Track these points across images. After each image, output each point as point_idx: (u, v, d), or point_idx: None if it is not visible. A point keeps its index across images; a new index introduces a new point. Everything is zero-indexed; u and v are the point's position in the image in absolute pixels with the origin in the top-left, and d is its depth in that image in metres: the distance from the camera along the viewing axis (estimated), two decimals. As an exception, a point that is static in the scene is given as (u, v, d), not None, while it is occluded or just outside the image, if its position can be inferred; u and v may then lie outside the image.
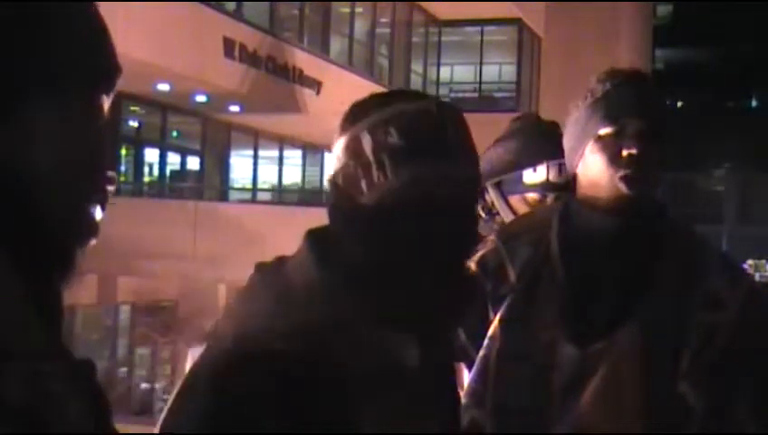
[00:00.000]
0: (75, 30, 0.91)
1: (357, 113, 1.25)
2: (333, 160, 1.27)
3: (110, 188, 0.95)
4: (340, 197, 1.24)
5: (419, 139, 1.20)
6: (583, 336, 1.71)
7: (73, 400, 0.85)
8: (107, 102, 0.95)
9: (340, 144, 1.25)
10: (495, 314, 1.77)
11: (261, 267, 1.28)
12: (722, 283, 1.74)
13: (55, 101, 0.89)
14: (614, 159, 1.71)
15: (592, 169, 1.75)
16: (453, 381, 1.43)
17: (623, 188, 1.70)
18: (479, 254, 1.85)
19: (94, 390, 0.91)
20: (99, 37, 0.94)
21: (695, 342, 1.69)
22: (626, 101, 1.74)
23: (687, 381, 1.68)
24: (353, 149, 1.23)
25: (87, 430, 0.86)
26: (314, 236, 1.27)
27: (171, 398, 1.20)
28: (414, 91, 1.35)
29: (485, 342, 1.76)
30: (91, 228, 0.94)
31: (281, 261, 1.28)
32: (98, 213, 0.94)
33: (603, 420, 1.68)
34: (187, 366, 1.22)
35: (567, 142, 1.83)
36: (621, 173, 1.70)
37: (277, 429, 1.14)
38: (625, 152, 1.70)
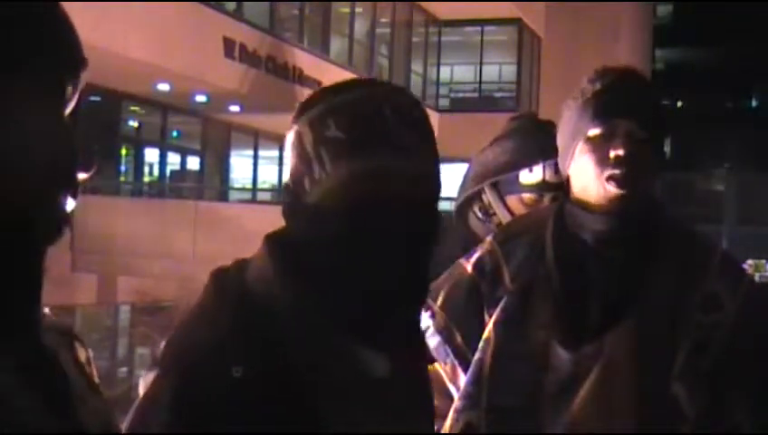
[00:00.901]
0: (38, 24, 0.91)
1: (303, 106, 1.17)
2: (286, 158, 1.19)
3: (83, 177, 0.93)
4: (286, 195, 1.17)
5: (358, 131, 1.11)
6: (576, 339, 1.70)
7: (21, 392, 0.84)
8: (73, 94, 0.94)
9: (287, 140, 1.18)
10: (491, 317, 1.77)
11: (218, 276, 1.18)
12: (721, 284, 1.73)
13: (18, 89, 0.88)
14: (602, 161, 1.70)
15: (582, 170, 1.74)
16: (426, 390, 1.33)
17: (611, 188, 1.70)
18: (476, 256, 1.84)
19: (52, 375, 0.90)
20: (61, 27, 0.93)
21: (690, 343, 1.68)
22: (615, 102, 1.73)
23: (681, 383, 1.67)
24: (296, 145, 1.16)
25: (40, 419, 0.85)
26: (273, 241, 1.18)
27: (124, 428, 1.09)
28: (373, 79, 1.25)
29: (480, 344, 1.75)
30: (61, 221, 0.91)
31: (240, 267, 1.18)
32: (69, 205, 0.92)
33: (595, 421, 1.68)
34: (140, 392, 1.12)
35: (559, 142, 1.82)
36: (608, 173, 1.70)
37: None
38: (612, 154, 1.69)
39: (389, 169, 1.10)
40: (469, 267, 1.83)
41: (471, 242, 2.06)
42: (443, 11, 22.30)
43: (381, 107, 1.12)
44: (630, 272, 1.73)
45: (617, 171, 1.69)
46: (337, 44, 19.54)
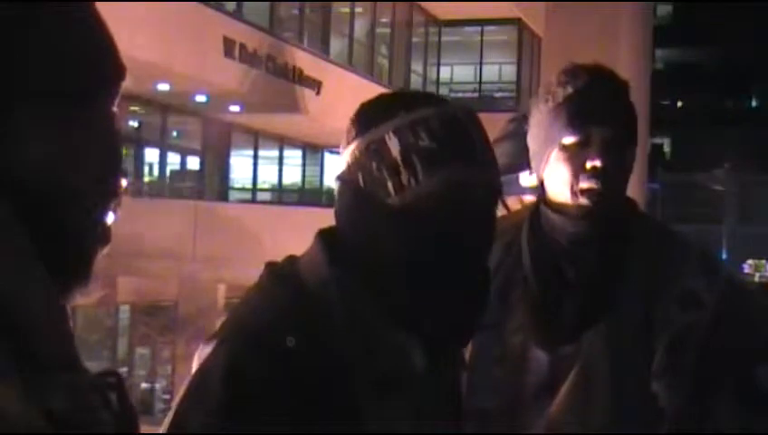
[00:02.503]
0: (82, 34, 0.91)
1: (376, 116, 1.22)
2: (346, 161, 1.23)
3: (120, 191, 0.94)
4: (359, 198, 1.21)
5: (450, 143, 1.19)
6: (553, 340, 1.71)
7: (106, 411, 0.85)
8: (113, 104, 0.95)
9: (357, 146, 1.22)
10: None
11: (272, 266, 1.26)
12: (699, 282, 1.72)
13: (67, 107, 0.88)
14: (578, 170, 1.69)
15: (557, 177, 1.72)
16: (458, 387, 1.41)
17: (585, 201, 1.69)
18: None
19: (123, 400, 0.91)
20: (105, 40, 0.93)
21: (668, 341, 1.68)
22: (589, 109, 1.70)
23: (660, 382, 1.67)
24: (377, 152, 1.20)
25: None
26: (325, 237, 1.25)
27: (178, 399, 1.18)
28: (423, 93, 1.34)
29: None
30: (105, 234, 0.93)
31: (292, 260, 1.27)
32: (110, 218, 0.93)
33: (575, 422, 1.68)
34: (194, 366, 1.20)
35: (531, 146, 1.80)
36: (585, 185, 1.68)
37: (289, 424, 1.13)
38: (589, 164, 1.68)
39: (476, 180, 1.20)
40: None
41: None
42: (443, 11, 22.30)
43: (463, 122, 1.21)
44: (605, 272, 1.72)
45: (593, 184, 1.68)
46: (337, 44, 19.54)
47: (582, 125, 1.69)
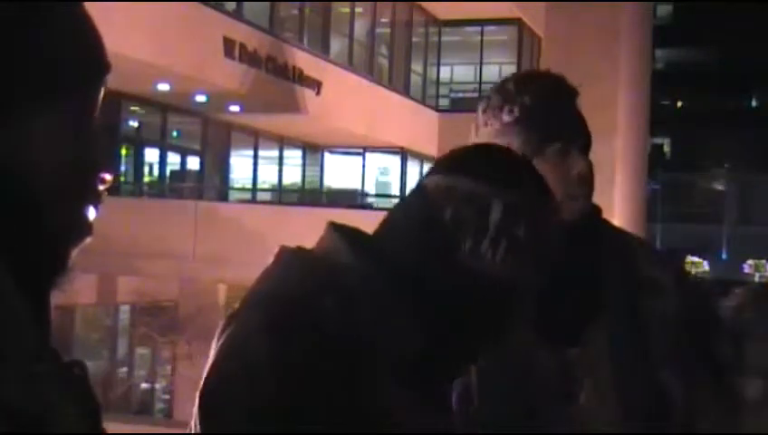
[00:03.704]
0: (66, 29, 0.90)
1: (490, 172, 1.23)
2: (438, 185, 1.22)
3: (102, 187, 0.94)
4: (434, 235, 1.20)
5: (535, 245, 1.22)
6: (556, 344, 1.72)
7: (68, 402, 0.85)
8: (96, 101, 0.94)
9: (456, 181, 1.21)
10: None
11: (286, 247, 1.23)
12: (655, 268, 1.79)
13: (49, 101, 0.88)
14: (563, 179, 1.69)
15: None
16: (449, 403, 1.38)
17: (572, 207, 1.71)
18: None
19: (87, 391, 0.91)
20: (89, 35, 0.93)
21: (651, 329, 1.73)
22: (563, 115, 1.73)
23: (666, 370, 1.72)
24: (475, 206, 1.19)
25: (81, 431, 0.86)
26: (342, 229, 1.23)
27: (209, 365, 1.14)
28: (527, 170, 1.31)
29: None
30: (85, 228, 0.93)
31: (302, 247, 1.24)
32: (91, 213, 0.93)
33: (592, 421, 1.69)
34: (213, 347, 1.16)
35: None
36: (572, 192, 1.71)
37: (323, 386, 1.10)
38: (575, 172, 1.71)
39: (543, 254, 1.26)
40: None
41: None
42: (443, 11, 22.31)
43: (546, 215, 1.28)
44: (590, 272, 1.76)
45: (582, 190, 1.72)
46: (337, 44, 19.55)
47: (561, 135, 1.71)
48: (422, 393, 1.19)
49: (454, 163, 1.24)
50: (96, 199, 0.93)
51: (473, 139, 1.78)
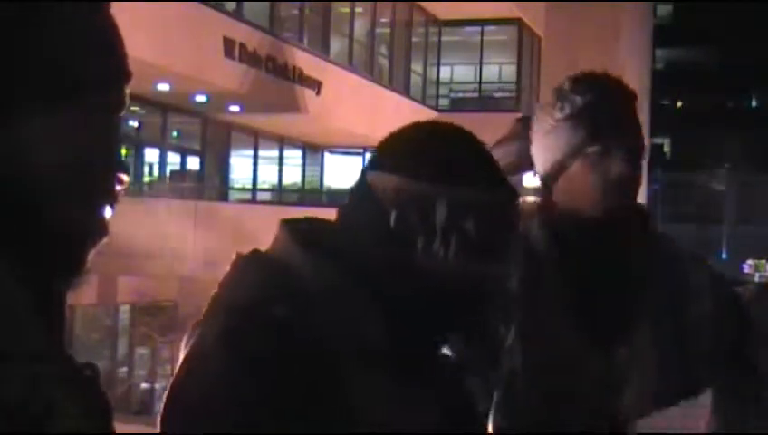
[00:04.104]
0: (88, 32, 0.91)
1: (440, 172, 1.22)
2: (392, 185, 1.22)
3: (120, 188, 0.95)
4: (385, 233, 1.20)
5: (492, 245, 1.22)
6: (605, 344, 1.72)
7: (71, 402, 0.84)
8: (119, 105, 0.95)
9: (408, 182, 1.21)
10: None
11: (241, 254, 1.25)
12: (695, 271, 1.84)
13: (51, 101, 0.88)
14: (604, 178, 1.70)
15: (579, 185, 1.73)
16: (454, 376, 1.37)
17: (614, 209, 1.71)
18: None
19: (96, 392, 0.91)
20: (111, 40, 0.94)
21: (691, 331, 1.77)
22: (612, 118, 1.71)
23: (706, 372, 1.78)
24: (424, 207, 1.20)
25: (84, 431, 0.85)
26: (294, 227, 1.25)
27: (175, 373, 1.16)
28: (497, 174, 1.28)
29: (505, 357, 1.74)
30: (101, 229, 0.93)
31: (258, 250, 1.25)
32: (107, 213, 0.94)
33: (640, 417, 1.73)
34: (181, 355, 1.18)
35: (542, 152, 1.80)
36: (613, 194, 1.70)
37: (284, 391, 1.11)
38: (616, 172, 1.69)
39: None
40: None
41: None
42: (443, 11, 22.30)
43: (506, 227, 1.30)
44: (635, 273, 1.76)
45: (621, 192, 1.71)
46: (337, 44, 19.54)
47: (607, 134, 1.70)
48: (389, 388, 1.19)
49: (397, 160, 1.24)
50: (112, 200, 0.94)
51: (532, 135, 1.82)
